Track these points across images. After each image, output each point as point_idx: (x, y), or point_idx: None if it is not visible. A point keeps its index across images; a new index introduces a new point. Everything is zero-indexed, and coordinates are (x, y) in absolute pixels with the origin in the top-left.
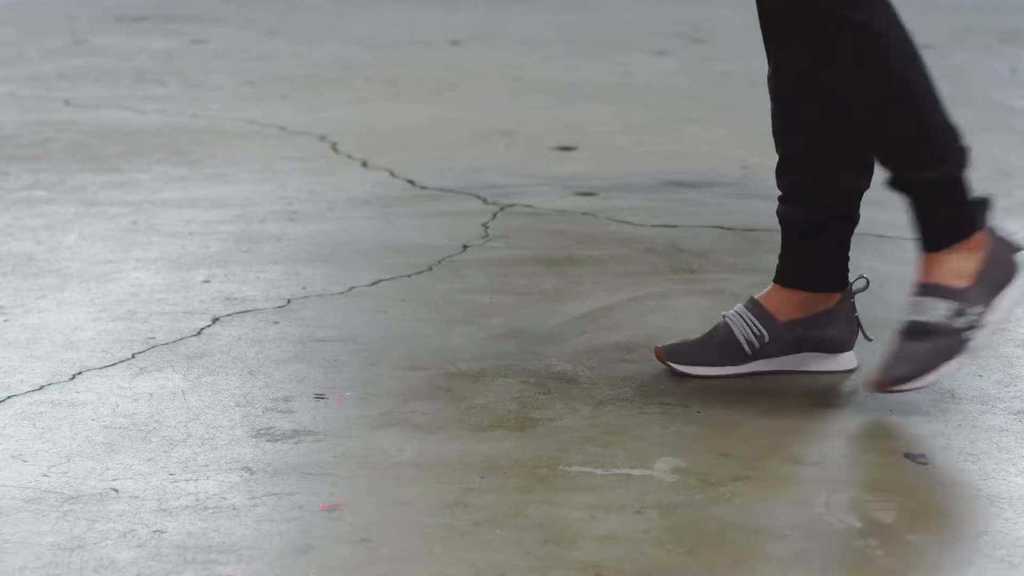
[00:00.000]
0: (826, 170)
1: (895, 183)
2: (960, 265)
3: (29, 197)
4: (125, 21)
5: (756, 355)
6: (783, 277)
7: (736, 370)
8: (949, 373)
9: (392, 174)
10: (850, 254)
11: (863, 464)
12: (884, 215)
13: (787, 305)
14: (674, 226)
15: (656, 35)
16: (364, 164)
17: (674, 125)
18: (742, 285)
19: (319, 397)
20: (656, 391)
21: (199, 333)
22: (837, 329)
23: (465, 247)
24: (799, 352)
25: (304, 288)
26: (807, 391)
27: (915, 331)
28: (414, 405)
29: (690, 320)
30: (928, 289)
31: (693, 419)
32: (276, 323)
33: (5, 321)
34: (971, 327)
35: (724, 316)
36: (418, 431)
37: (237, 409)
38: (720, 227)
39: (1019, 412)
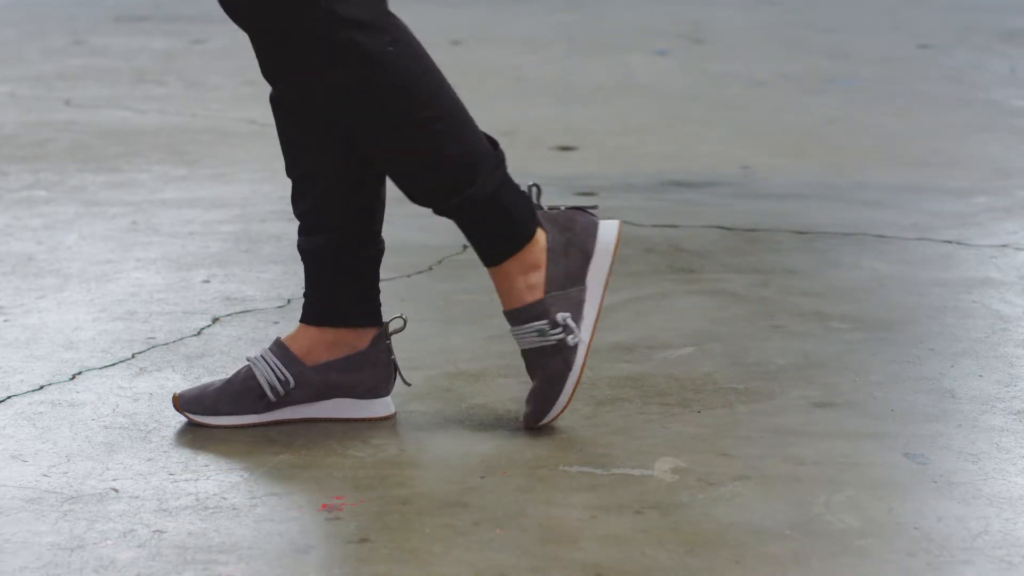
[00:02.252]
0: (337, 191)
1: (437, 212)
2: (528, 279)
3: (29, 197)
4: (125, 21)
5: (282, 402)
6: (308, 315)
7: (259, 419)
8: (576, 383)
9: None
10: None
11: (863, 464)
12: (884, 215)
13: (316, 347)
14: (674, 226)
15: (656, 35)
16: None
17: (674, 125)
18: (742, 285)
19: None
20: (656, 391)
21: (199, 333)
22: (370, 373)
23: (465, 247)
24: (330, 398)
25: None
26: (807, 391)
27: (532, 362)
28: (414, 405)
29: (690, 320)
30: (512, 317)
31: (693, 419)
32: (276, 323)
33: (5, 321)
34: (567, 331)
35: (248, 359)
36: (418, 431)
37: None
38: (720, 227)
39: (1019, 412)
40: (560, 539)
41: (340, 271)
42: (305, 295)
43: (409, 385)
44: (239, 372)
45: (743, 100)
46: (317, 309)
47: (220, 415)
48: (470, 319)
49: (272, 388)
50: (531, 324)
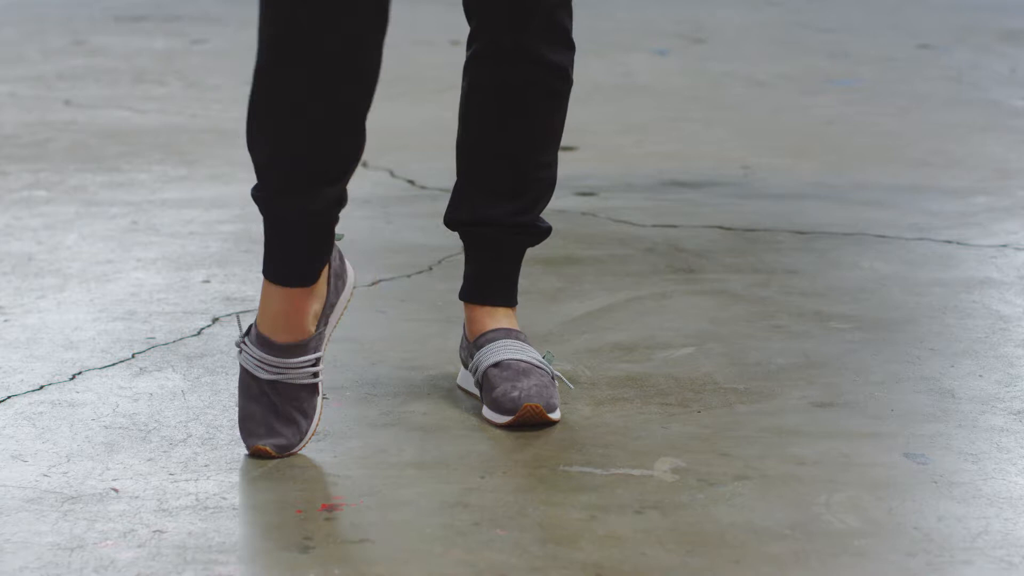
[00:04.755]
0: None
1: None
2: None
3: (29, 197)
4: (125, 21)
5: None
6: (269, 276)
7: (321, 398)
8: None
9: (392, 174)
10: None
11: (863, 464)
12: (884, 215)
13: (291, 321)
14: (674, 226)
15: (656, 35)
16: (364, 164)
17: (674, 125)
18: (742, 285)
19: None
20: (656, 391)
21: (199, 333)
22: (336, 287)
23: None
24: (336, 312)
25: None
26: (807, 391)
27: (524, 368)
28: (414, 405)
29: (690, 320)
30: (514, 333)
31: (693, 419)
32: None
33: (5, 321)
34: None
35: (283, 380)
36: (418, 431)
37: (237, 409)
38: (720, 227)
39: (1019, 412)
40: (560, 539)
41: (315, 231)
42: (272, 256)
43: (341, 238)
44: (280, 399)
45: (743, 100)
46: (280, 272)
47: (308, 431)
48: None
49: (315, 374)
50: (532, 348)
